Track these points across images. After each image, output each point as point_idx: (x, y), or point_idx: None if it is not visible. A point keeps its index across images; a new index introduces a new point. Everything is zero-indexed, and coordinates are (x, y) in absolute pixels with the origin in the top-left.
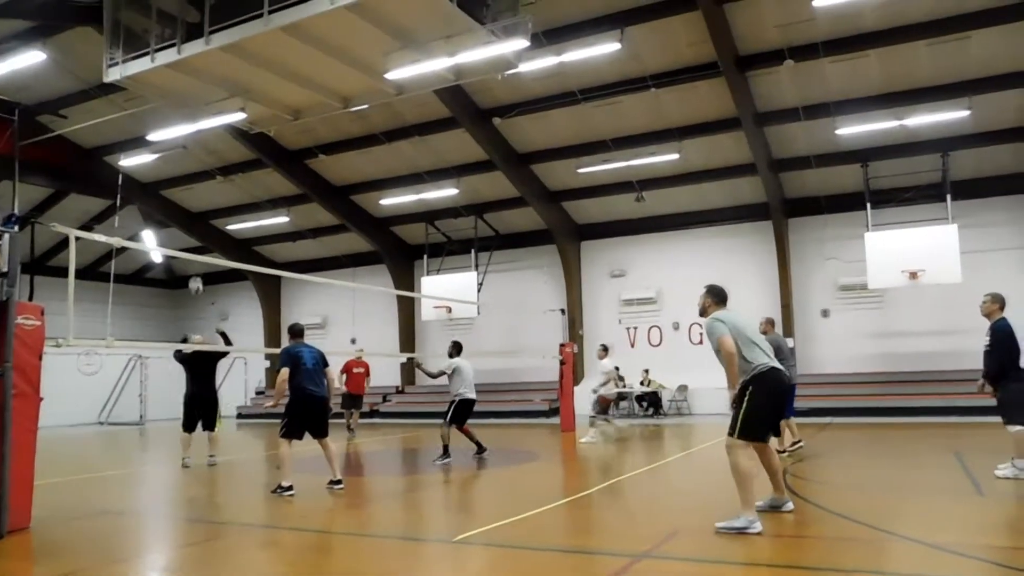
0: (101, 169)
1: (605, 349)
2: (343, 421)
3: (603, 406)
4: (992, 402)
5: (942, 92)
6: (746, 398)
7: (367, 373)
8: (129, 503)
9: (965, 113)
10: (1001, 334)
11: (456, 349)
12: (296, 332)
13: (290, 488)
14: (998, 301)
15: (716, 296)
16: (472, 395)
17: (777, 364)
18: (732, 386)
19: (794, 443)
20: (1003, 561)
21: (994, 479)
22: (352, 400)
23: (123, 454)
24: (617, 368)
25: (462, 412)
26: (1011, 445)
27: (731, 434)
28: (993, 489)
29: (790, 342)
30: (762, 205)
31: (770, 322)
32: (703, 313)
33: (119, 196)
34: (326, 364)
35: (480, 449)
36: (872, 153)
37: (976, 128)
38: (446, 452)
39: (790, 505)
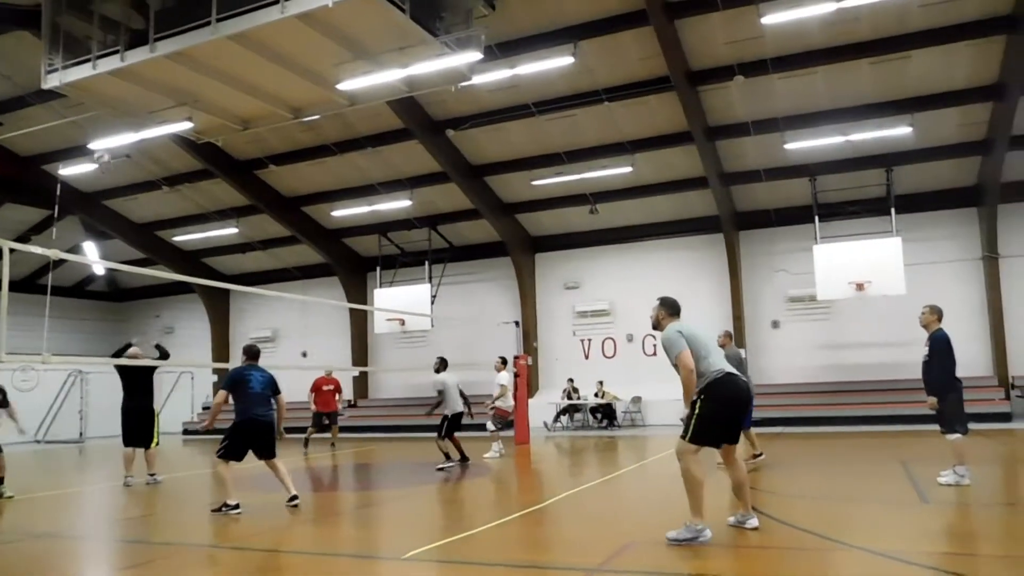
0: (39, 178)
1: (504, 362)
2: (303, 436)
3: (501, 419)
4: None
5: (886, 109)
6: (699, 402)
7: (337, 390)
8: (64, 525)
9: (908, 129)
10: (939, 344)
11: (442, 365)
12: (251, 354)
13: (236, 507)
14: (936, 312)
15: (669, 308)
16: (460, 408)
17: (733, 370)
18: (688, 401)
19: (754, 455)
20: (946, 567)
21: (938, 487)
22: (322, 418)
23: (60, 473)
24: (571, 380)
25: (452, 426)
26: (951, 453)
27: (683, 437)
28: (937, 497)
29: (743, 352)
30: (713, 218)
31: (728, 335)
32: (656, 326)
33: (56, 206)
34: (277, 391)
35: (463, 459)
36: (820, 167)
37: (918, 144)
38: (448, 458)
39: (754, 522)
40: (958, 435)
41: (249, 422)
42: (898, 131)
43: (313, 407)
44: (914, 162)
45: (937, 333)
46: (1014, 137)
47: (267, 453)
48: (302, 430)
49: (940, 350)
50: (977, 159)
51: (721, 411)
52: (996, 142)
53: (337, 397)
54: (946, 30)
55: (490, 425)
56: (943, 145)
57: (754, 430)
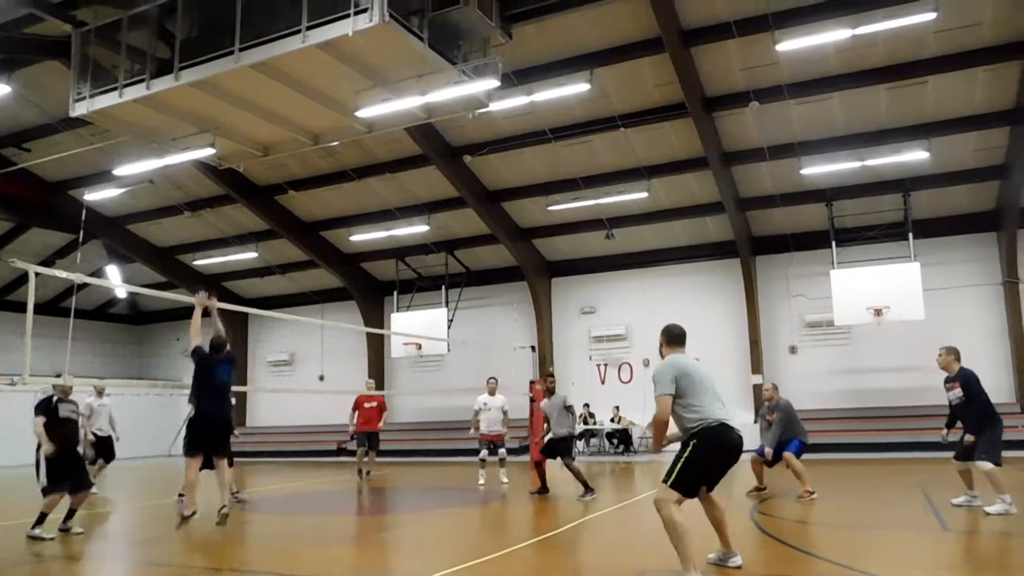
0: (65, 203)
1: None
2: (354, 460)
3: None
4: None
5: (902, 134)
6: (688, 449)
7: (381, 407)
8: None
9: (925, 154)
10: (972, 382)
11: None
12: (217, 345)
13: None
14: (953, 353)
15: (667, 336)
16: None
17: (728, 421)
18: (657, 444)
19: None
20: None
21: (956, 514)
22: (366, 439)
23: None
24: (587, 405)
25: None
26: (990, 484)
27: (664, 481)
28: (957, 525)
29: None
30: (730, 243)
31: (775, 388)
32: (662, 355)
33: (81, 230)
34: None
35: (542, 488)
36: (836, 192)
37: (935, 169)
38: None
39: (737, 560)
40: (994, 465)
41: (215, 414)
42: (915, 156)
43: (353, 427)
44: (931, 187)
45: (965, 372)
46: None
47: (219, 450)
48: (320, 454)
49: (975, 388)
50: (995, 183)
51: (709, 459)
52: (1014, 167)
53: (384, 415)
54: (962, 56)
55: (484, 452)
56: (961, 170)
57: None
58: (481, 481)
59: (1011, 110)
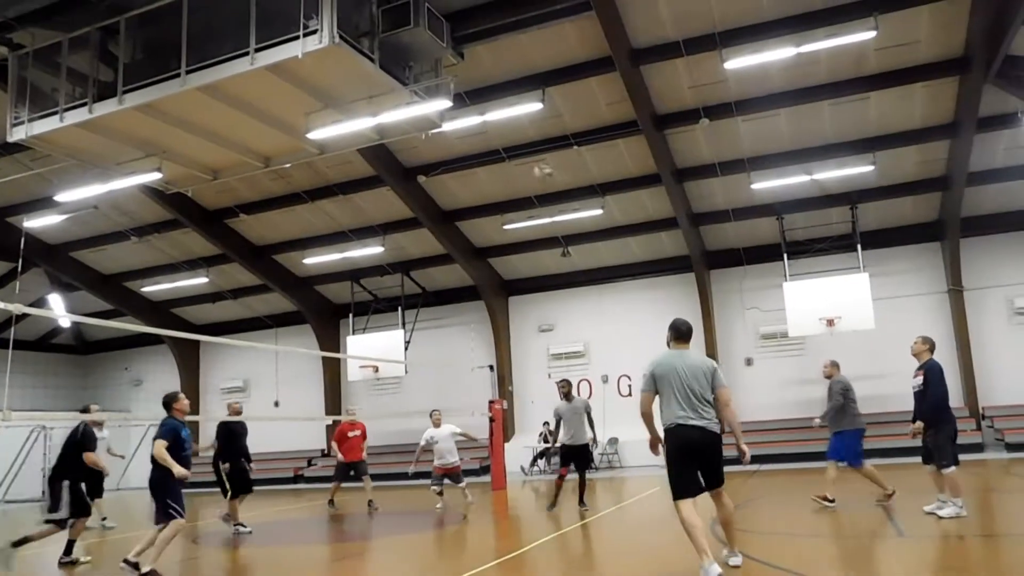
0: (3, 231)
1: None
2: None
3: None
4: (914, 443)
5: (847, 148)
6: (665, 455)
7: (364, 435)
8: None
9: (870, 168)
10: (934, 374)
11: (570, 387)
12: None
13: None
14: (928, 343)
15: (673, 331)
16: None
17: (686, 420)
18: (652, 438)
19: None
20: None
21: (914, 520)
22: (348, 468)
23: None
24: (547, 424)
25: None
26: (947, 486)
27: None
28: (913, 530)
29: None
30: (684, 258)
31: (834, 365)
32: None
33: (20, 258)
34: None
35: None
36: (786, 206)
37: (880, 182)
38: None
39: (737, 560)
40: (953, 468)
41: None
42: (861, 169)
43: (340, 457)
44: (877, 199)
45: (930, 363)
46: (971, 173)
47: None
48: (276, 481)
49: (935, 380)
50: (938, 195)
51: (675, 458)
52: (954, 178)
53: (364, 444)
54: (902, 72)
55: (436, 488)
56: (905, 182)
57: (730, 468)
58: (438, 505)
59: (949, 124)
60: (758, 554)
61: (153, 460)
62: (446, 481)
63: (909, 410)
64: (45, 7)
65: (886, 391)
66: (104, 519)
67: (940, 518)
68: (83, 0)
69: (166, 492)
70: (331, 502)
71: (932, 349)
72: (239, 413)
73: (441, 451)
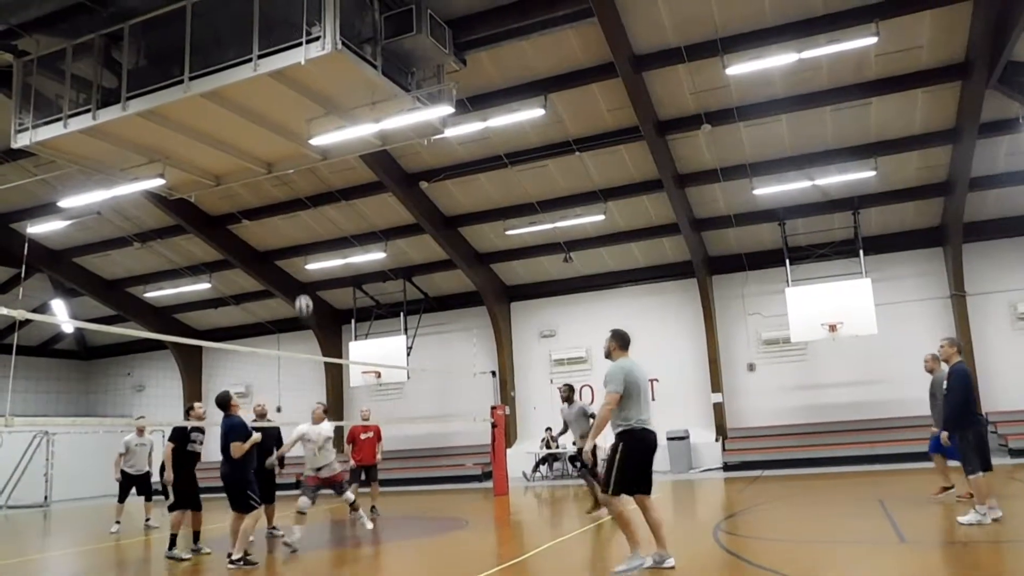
0: (7, 237)
1: (326, 411)
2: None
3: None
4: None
5: (849, 154)
6: (618, 454)
7: (378, 437)
8: None
9: (872, 173)
10: (957, 376)
11: (571, 391)
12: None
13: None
14: (955, 345)
15: (621, 340)
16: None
17: (648, 424)
18: (596, 432)
19: (944, 488)
20: None
21: (915, 527)
22: (362, 473)
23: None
24: (549, 429)
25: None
26: (975, 492)
27: (604, 491)
28: (914, 536)
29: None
30: (686, 263)
31: (935, 359)
32: (608, 356)
33: (24, 264)
34: (228, 443)
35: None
36: (788, 212)
37: (882, 187)
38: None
39: (671, 562)
40: (980, 473)
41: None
42: (862, 175)
43: (352, 461)
44: (879, 204)
45: (956, 366)
46: (973, 179)
47: (232, 506)
48: (278, 487)
49: (955, 384)
50: (940, 200)
51: (636, 456)
52: (956, 184)
53: (379, 446)
54: (903, 78)
55: (304, 501)
56: (907, 187)
57: (731, 474)
58: (288, 537)
59: (951, 129)
60: (761, 560)
61: (228, 456)
62: (325, 491)
63: (911, 415)
64: (49, 14)
65: (888, 396)
66: (148, 519)
67: (960, 524)
68: (87, 7)
69: (246, 484)
70: (353, 506)
71: (960, 351)
72: (264, 416)
73: (312, 454)
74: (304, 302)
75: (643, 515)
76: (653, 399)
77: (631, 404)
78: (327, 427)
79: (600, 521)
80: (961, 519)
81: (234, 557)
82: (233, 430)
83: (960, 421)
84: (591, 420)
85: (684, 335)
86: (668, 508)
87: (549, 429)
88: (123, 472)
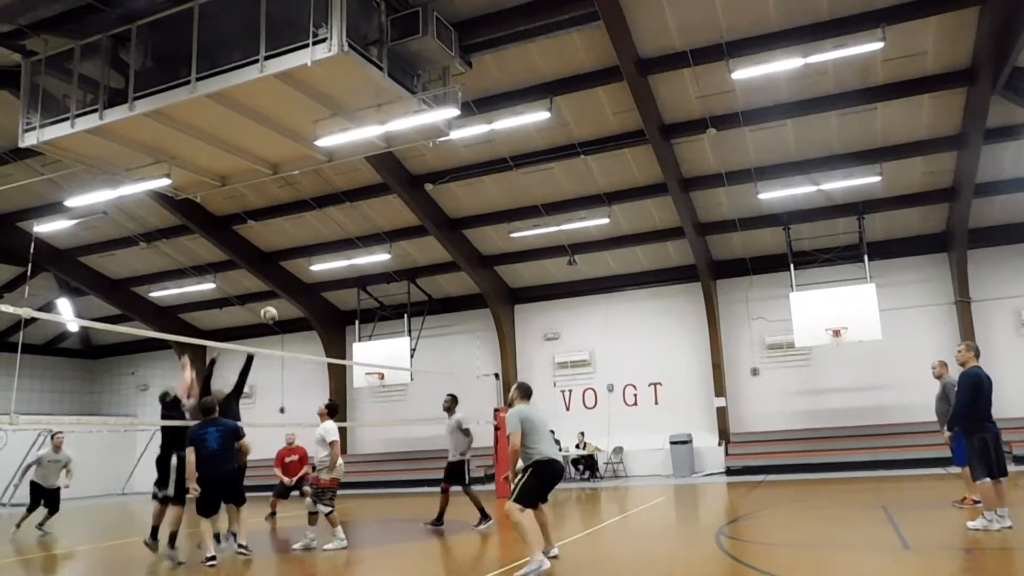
0: (13, 235)
1: (331, 410)
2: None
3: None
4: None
5: (854, 159)
6: (526, 475)
7: (303, 462)
8: None
9: (877, 178)
10: (963, 379)
11: (453, 402)
12: (204, 410)
13: (212, 559)
14: (972, 349)
15: (523, 391)
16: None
17: (555, 455)
18: (512, 465)
19: (968, 498)
20: None
21: (919, 533)
22: (290, 489)
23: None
24: (552, 432)
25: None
26: (982, 498)
27: (510, 499)
28: (918, 543)
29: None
30: (690, 267)
31: (943, 365)
32: (510, 404)
33: (30, 263)
34: (239, 437)
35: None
36: (793, 216)
37: (887, 192)
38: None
39: (555, 551)
40: (986, 480)
41: (208, 480)
42: (867, 180)
43: (285, 479)
44: (884, 210)
45: (969, 369)
46: (979, 185)
47: (235, 501)
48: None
49: (961, 387)
50: (945, 206)
51: (540, 483)
52: (962, 190)
53: (304, 470)
54: (909, 83)
55: (310, 501)
56: (912, 193)
57: (734, 478)
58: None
59: (957, 135)
60: (765, 566)
61: (233, 455)
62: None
63: (915, 421)
64: (57, 15)
65: (892, 402)
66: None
67: (968, 529)
68: (95, 8)
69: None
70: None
71: (977, 355)
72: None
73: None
74: (270, 315)
75: (535, 516)
76: (656, 403)
77: (534, 440)
78: (321, 427)
79: (601, 524)
80: (969, 524)
81: (243, 541)
82: (238, 431)
83: (965, 424)
84: (465, 436)
85: (688, 339)
86: (670, 512)
87: (552, 432)
88: (33, 483)
